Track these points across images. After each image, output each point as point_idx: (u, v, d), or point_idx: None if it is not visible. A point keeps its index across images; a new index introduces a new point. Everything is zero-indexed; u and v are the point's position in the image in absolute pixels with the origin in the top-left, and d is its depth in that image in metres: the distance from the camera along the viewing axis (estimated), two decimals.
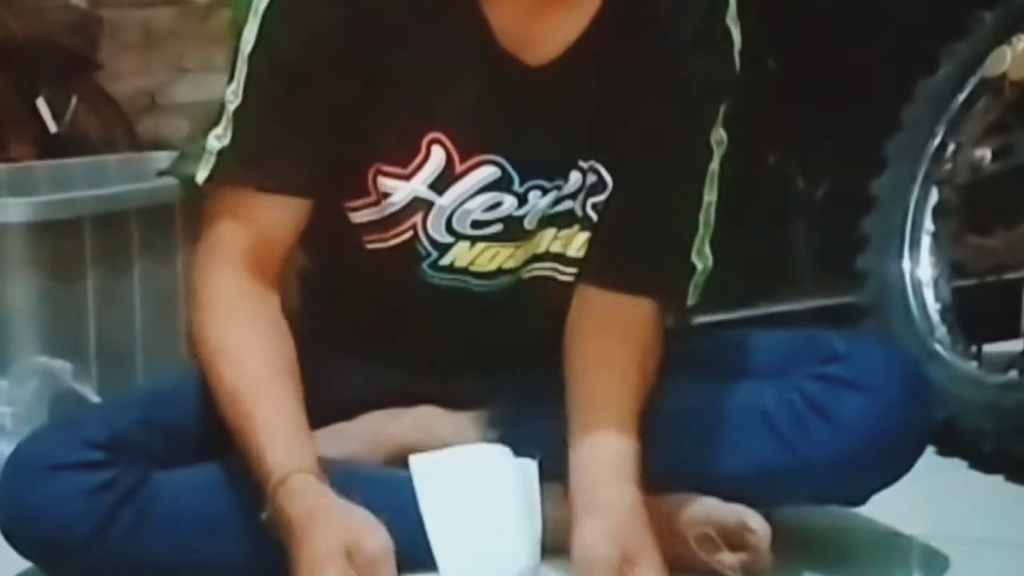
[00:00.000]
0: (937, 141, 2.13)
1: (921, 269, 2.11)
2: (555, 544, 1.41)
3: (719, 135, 1.51)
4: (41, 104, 3.43)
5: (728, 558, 1.42)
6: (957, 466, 1.91)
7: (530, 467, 1.44)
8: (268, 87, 1.41)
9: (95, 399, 2.08)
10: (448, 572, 1.36)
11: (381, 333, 1.54)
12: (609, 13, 1.45)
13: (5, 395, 2.02)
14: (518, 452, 1.46)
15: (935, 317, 2.06)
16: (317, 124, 1.41)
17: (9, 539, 1.41)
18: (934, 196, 2.13)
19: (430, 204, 1.46)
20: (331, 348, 1.37)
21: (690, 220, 1.52)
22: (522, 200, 1.48)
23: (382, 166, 1.45)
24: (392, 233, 1.48)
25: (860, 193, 2.20)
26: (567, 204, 1.50)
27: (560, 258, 1.52)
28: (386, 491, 1.39)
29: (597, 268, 1.52)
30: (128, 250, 2.29)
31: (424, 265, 1.50)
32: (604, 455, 1.40)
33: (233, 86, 1.42)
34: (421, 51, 1.42)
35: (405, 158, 1.45)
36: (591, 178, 1.50)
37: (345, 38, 1.39)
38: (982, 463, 1.89)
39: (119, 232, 2.27)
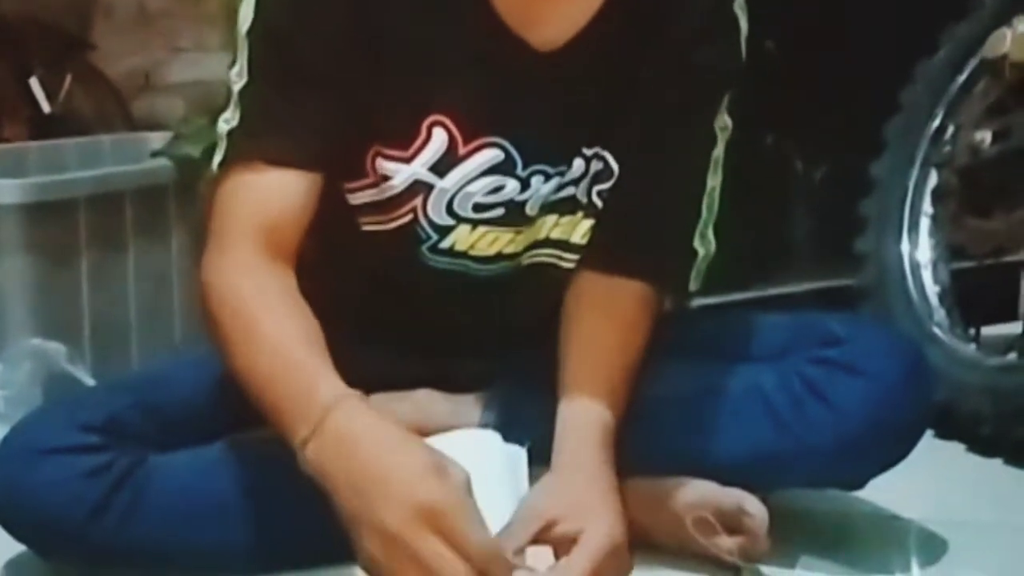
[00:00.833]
0: (936, 123, 2.13)
1: (920, 251, 2.11)
2: None
3: (723, 121, 1.51)
4: (34, 84, 3.40)
5: (726, 542, 1.42)
6: (956, 449, 1.90)
7: (518, 453, 1.43)
8: (268, 62, 1.39)
9: (89, 381, 2.07)
10: None
11: (380, 316, 1.54)
12: None
13: None
14: (515, 435, 1.45)
15: (934, 300, 2.06)
16: (318, 97, 1.39)
17: (4, 523, 1.41)
18: (933, 178, 2.13)
19: (431, 187, 1.45)
20: (329, 331, 1.36)
21: (693, 206, 1.52)
22: (525, 184, 1.47)
23: (381, 148, 1.44)
24: (391, 216, 1.47)
25: (859, 175, 2.20)
26: (570, 190, 1.49)
27: (563, 245, 1.52)
28: None
29: (595, 252, 1.51)
30: (122, 231, 2.28)
31: (423, 248, 1.49)
32: (571, 421, 1.42)
33: (236, 68, 1.41)
34: (424, 30, 1.40)
35: (405, 141, 1.43)
36: (596, 165, 1.49)
37: (344, 13, 1.38)
38: (981, 446, 1.89)
39: (113, 213, 2.27)
